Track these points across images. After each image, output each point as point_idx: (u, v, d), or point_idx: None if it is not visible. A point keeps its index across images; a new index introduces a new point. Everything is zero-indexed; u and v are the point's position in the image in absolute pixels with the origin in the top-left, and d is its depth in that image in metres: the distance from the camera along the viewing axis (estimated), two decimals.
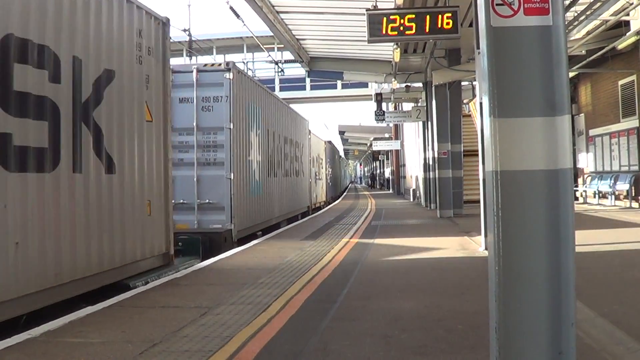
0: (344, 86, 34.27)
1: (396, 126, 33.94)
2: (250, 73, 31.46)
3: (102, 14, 6.66)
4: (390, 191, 42.37)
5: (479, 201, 9.48)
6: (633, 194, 16.33)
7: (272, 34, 15.46)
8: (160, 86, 8.16)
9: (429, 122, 18.21)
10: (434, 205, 17.70)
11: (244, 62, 35.02)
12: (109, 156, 6.76)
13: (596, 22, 13.74)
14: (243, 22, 17.23)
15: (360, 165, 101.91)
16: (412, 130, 28.25)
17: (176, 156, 10.87)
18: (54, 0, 5.78)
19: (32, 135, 5.44)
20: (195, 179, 11.09)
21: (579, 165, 20.58)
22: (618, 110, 17.40)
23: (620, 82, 17.12)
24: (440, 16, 9.09)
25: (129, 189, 7.20)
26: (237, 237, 11.28)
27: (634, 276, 6.51)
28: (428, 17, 9.11)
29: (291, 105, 20.72)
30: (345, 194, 44.49)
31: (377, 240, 10.96)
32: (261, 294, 6.04)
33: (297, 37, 16.14)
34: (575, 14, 12.65)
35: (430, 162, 18.28)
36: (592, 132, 19.54)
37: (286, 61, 29.33)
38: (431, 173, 18.28)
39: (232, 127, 11.18)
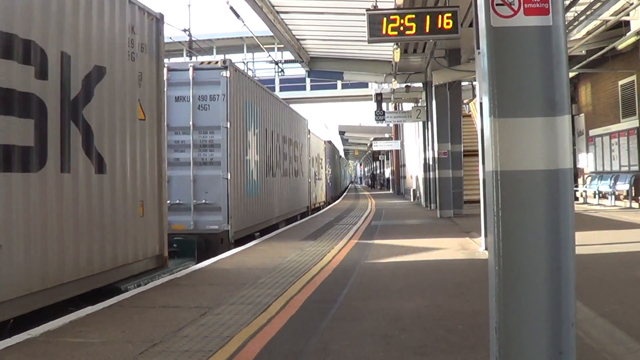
0: (344, 86, 34.26)
1: (396, 126, 33.95)
2: (250, 73, 31.47)
3: (92, 8, 6.45)
4: (391, 191, 42.37)
5: (479, 201, 9.48)
6: (633, 194, 16.33)
7: (272, 34, 15.46)
8: (154, 84, 7.97)
9: (429, 122, 18.21)
10: (434, 206, 17.70)
11: (244, 62, 35.02)
12: (99, 155, 6.56)
13: (596, 22, 13.74)
14: (243, 22, 17.24)
15: (361, 165, 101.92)
16: (412, 131, 28.26)
17: (172, 156, 10.79)
18: None
19: (17, 133, 5.23)
20: (191, 179, 10.93)
21: (579, 165, 20.58)
22: (618, 110, 17.40)
23: (620, 82, 17.12)
24: (440, 16, 9.09)
25: (121, 190, 7.01)
26: (234, 238, 11.14)
27: (634, 276, 6.51)
28: (428, 17, 9.11)
29: (291, 105, 20.69)
30: (345, 194, 44.49)
31: (377, 241, 10.95)
32: (261, 294, 6.04)
33: (297, 37, 16.14)
34: (575, 14, 12.65)
35: (430, 162, 18.29)
36: (592, 132, 19.54)
37: (286, 61, 29.36)
38: (431, 173, 18.29)
39: (229, 126, 11.01)
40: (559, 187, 2.84)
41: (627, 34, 13.55)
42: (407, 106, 26.61)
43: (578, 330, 3.14)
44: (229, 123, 11.02)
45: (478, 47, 8.03)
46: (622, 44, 14.32)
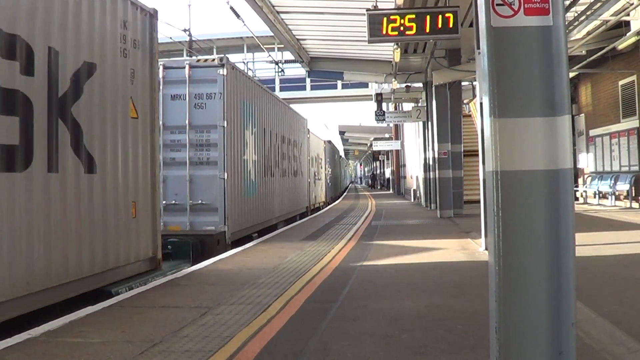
0: (344, 86, 34.28)
1: (396, 126, 33.95)
2: (250, 73, 31.48)
3: (81, 3, 6.24)
4: (391, 191, 42.37)
5: (479, 201, 9.48)
6: (633, 194, 16.33)
7: (272, 34, 15.45)
8: (147, 81, 7.73)
9: (429, 122, 18.21)
10: (434, 206, 17.70)
11: (244, 62, 35.03)
12: (89, 155, 6.33)
13: (596, 23, 13.74)
14: (243, 22, 17.23)
15: (361, 165, 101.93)
16: (412, 131, 28.26)
17: (168, 155, 10.65)
18: None
19: (1, 131, 5.05)
20: (187, 179, 10.74)
21: (579, 165, 20.58)
22: (618, 110, 17.40)
23: (621, 83, 17.12)
24: (440, 16, 9.09)
25: (112, 190, 6.78)
26: (231, 240, 10.92)
27: (634, 276, 6.51)
28: (428, 17, 9.11)
29: (291, 105, 20.63)
30: (345, 194, 44.50)
31: (377, 241, 10.95)
32: (261, 294, 6.04)
33: (297, 37, 16.15)
34: (576, 14, 12.66)
35: (431, 162, 18.30)
36: (592, 132, 19.54)
37: (286, 61, 29.32)
38: (431, 173, 18.29)
39: (226, 125, 10.83)
40: (559, 187, 2.84)
41: (627, 34, 13.55)
42: (407, 106, 26.62)
43: (578, 330, 3.14)
44: (225, 122, 10.84)
45: (478, 47, 8.02)
46: (622, 44, 14.32)
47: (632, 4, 11.98)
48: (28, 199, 5.35)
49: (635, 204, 16.19)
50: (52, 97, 5.73)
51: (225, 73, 10.82)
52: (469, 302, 5.47)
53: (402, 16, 9.15)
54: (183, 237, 10.16)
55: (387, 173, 52.64)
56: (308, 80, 33.61)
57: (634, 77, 16.24)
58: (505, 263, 2.84)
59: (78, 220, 6.10)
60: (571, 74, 17.71)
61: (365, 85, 32.05)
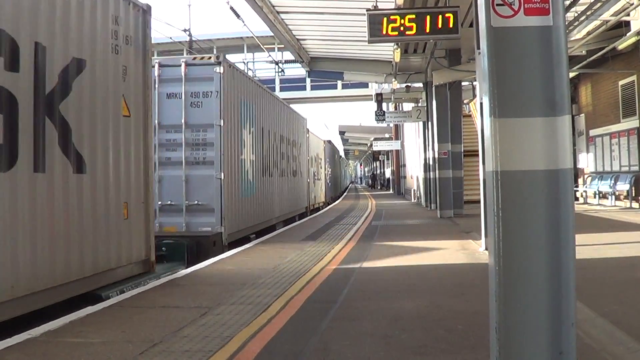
0: (344, 86, 34.28)
1: (396, 126, 33.97)
2: (250, 73, 31.47)
3: None
4: (391, 191, 42.38)
5: (479, 201, 9.48)
6: (633, 195, 16.33)
7: (272, 34, 15.46)
8: (140, 78, 7.51)
9: (429, 122, 18.22)
10: (434, 206, 17.71)
11: (244, 62, 35.05)
12: (78, 154, 6.12)
13: (596, 23, 13.74)
14: (243, 22, 17.24)
15: (361, 165, 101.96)
16: (412, 131, 28.27)
17: (163, 155, 10.50)
18: None
19: None
20: (183, 179, 10.53)
21: (579, 165, 20.58)
22: (618, 110, 17.40)
23: (621, 83, 17.12)
24: (440, 16, 9.09)
25: (102, 190, 6.57)
26: (227, 241, 10.70)
27: (634, 276, 6.51)
28: (428, 17, 9.12)
29: (292, 105, 20.59)
30: (345, 194, 44.50)
31: (378, 241, 10.95)
32: (261, 294, 6.04)
33: (297, 37, 16.15)
34: (576, 14, 12.66)
35: (431, 162, 18.30)
36: (592, 132, 19.54)
37: (286, 61, 29.36)
38: (431, 173, 18.30)
39: (222, 124, 10.60)
40: (559, 187, 2.84)
41: (628, 34, 13.55)
42: (408, 106, 26.63)
43: (578, 330, 3.14)
44: (222, 121, 10.61)
45: (478, 47, 8.01)
46: (623, 44, 14.32)
47: (632, 4, 11.98)
48: (12, 200, 5.19)
49: (635, 204, 16.19)
50: (38, 94, 5.54)
51: (221, 71, 10.62)
52: (469, 302, 5.47)
53: (402, 16, 9.15)
54: (178, 239, 9.90)
55: (387, 173, 52.66)
56: (308, 80, 33.61)
57: (634, 77, 16.25)
58: (505, 263, 2.84)
59: (66, 221, 5.90)
60: (571, 74, 17.72)
61: (365, 85, 32.06)
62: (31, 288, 5.38)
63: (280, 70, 30.28)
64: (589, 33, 14.48)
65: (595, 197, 18.80)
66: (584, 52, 15.92)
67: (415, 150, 26.18)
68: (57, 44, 5.82)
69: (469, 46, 13.18)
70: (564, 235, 2.83)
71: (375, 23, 9.18)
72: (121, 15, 7.06)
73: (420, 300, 5.63)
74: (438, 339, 4.24)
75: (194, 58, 11.23)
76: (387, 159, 50.14)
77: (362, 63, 19.05)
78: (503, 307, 2.84)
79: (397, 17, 9.14)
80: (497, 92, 2.88)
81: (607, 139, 18.33)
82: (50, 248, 5.65)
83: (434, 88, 16.62)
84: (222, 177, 10.63)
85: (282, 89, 35.06)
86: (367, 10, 9.44)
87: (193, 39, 26.82)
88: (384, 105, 24.10)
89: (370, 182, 67.37)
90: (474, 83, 16.83)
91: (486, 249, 8.35)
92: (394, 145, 35.05)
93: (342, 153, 60.50)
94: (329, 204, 29.51)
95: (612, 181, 17.32)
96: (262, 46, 21.68)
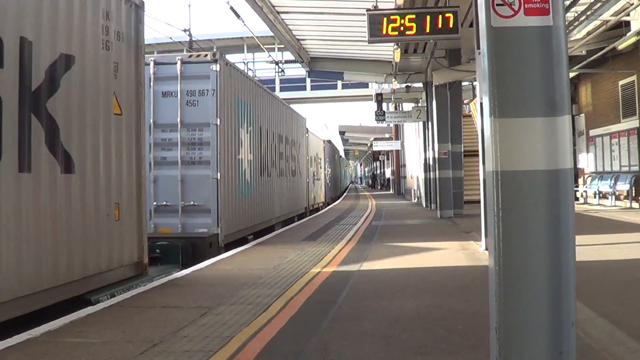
0: (344, 86, 34.30)
1: (396, 126, 33.97)
2: (250, 73, 31.47)
3: None
4: (391, 191, 42.38)
5: (479, 201, 9.48)
6: (633, 195, 16.33)
7: (272, 34, 15.46)
8: (132, 75, 7.29)
9: (430, 123, 18.22)
10: (435, 206, 17.71)
11: (244, 62, 35.06)
12: (66, 153, 5.89)
13: (596, 23, 13.74)
14: (243, 22, 17.23)
15: (361, 165, 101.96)
16: (412, 131, 28.28)
17: (159, 154, 10.34)
18: None
19: None
20: (179, 179, 10.31)
21: (580, 165, 20.58)
22: (618, 110, 17.40)
23: (621, 83, 17.12)
24: (440, 16, 9.09)
25: (92, 191, 6.34)
26: (224, 242, 10.49)
27: (634, 276, 6.51)
28: (428, 17, 9.12)
29: (292, 105, 20.56)
30: (345, 194, 44.51)
31: (377, 241, 10.95)
32: (261, 294, 6.04)
33: (297, 37, 16.15)
34: (576, 14, 12.66)
35: (431, 163, 18.30)
36: (592, 132, 19.54)
37: (286, 61, 29.35)
38: (431, 173, 18.30)
39: (219, 123, 10.37)
40: (559, 188, 2.84)
41: (628, 34, 13.55)
42: (408, 106, 26.62)
43: (578, 330, 3.14)
44: (219, 120, 10.39)
45: (478, 47, 8.01)
46: (623, 44, 14.31)
47: (632, 4, 11.98)
48: None
49: (635, 204, 16.19)
50: (24, 91, 5.32)
51: (218, 69, 10.39)
52: (469, 302, 5.47)
53: (402, 16, 9.15)
54: (172, 240, 9.66)
55: (388, 173, 52.65)
56: (308, 80, 33.65)
57: (634, 77, 16.25)
58: (505, 263, 2.84)
59: (53, 223, 5.68)
60: (571, 74, 17.72)
61: (365, 85, 32.08)
62: (15, 293, 5.17)
63: (280, 70, 30.28)
64: (589, 33, 14.48)
65: (595, 197, 18.80)
66: (584, 52, 15.93)
67: (415, 150, 26.18)
68: (44, 39, 5.60)
69: (469, 46, 13.17)
70: (564, 236, 2.83)
71: (375, 23, 9.18)
72: (112, 11, 6.84)
73: (420, 300, 5.63)
74: (438, 339, 4.24)
75: (190, 56, 11.02)
76: (387, 159, 50.14)
77: (362, 63, 19.05)
78: (503, 307, 2.84)
79: (397, 17, 9.14)
80: (497, 92, 2.88)
81: (607, 139, 18.33)
82: (36, 251, 5.44)
83: (434, 88, 16.62)
84: (219, 177, 10.42)
85: (282, 89, 35.09)
86: (367, 10, 9.44)
87: (193, 39, 26.81)
88: (384, 105, 24.10)
89: (370, 182, 67.39)
90: (474, 83, 16.83)
91: (486, 249, 8.35)
92: (394, 146, 35.06)
93: (342, 153, 60.52)
94: (328, 204, 29.49)
95: (612, 181, 17.32)
96: (262, 46, 21.68)
